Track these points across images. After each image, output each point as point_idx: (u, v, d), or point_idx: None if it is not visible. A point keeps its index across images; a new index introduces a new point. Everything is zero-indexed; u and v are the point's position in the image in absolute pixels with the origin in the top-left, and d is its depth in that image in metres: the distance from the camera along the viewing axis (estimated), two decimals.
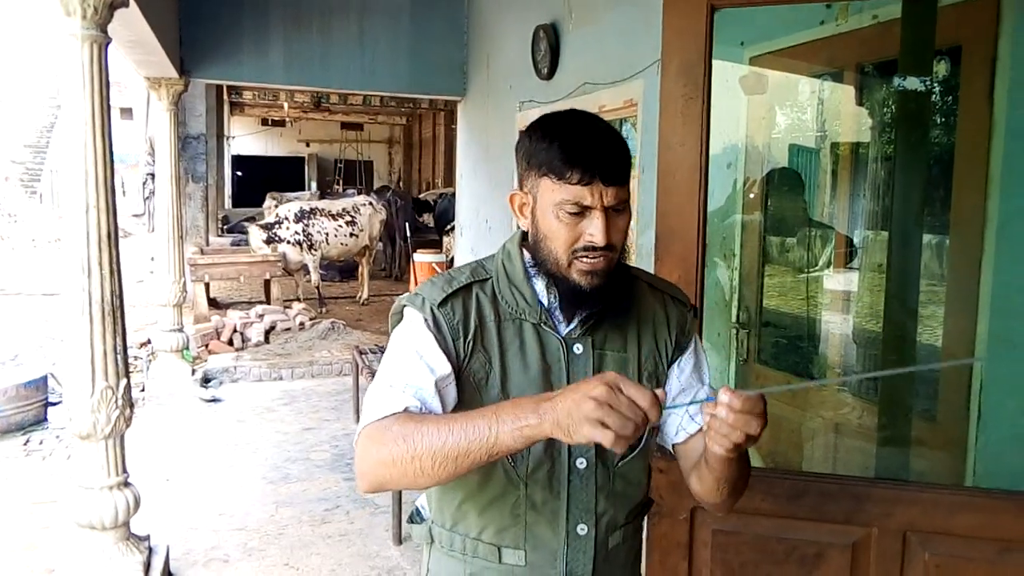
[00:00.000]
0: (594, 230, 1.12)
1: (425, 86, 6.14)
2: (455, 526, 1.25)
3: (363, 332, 7.76)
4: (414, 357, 1.15)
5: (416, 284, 6.17)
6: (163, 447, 4.77)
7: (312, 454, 4.72)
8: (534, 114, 4.72)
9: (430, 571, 1.32)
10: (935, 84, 2.45)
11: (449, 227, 9.05)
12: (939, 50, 2.38)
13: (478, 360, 1.18)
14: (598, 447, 1.18)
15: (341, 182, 20.68)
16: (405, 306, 1.22)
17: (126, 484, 2.92)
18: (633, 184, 1.78)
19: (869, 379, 2.78)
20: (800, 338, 3.15)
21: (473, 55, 5.90)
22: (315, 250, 9.12)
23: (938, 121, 2.58)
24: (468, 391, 1.18)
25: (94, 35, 2.65)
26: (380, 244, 11.10)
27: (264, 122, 20.57)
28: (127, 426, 2.88)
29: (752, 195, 3.07)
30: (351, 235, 9.49)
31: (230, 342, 7.07)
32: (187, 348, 6.25)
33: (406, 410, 1.09)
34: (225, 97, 13.15)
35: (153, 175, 9.90)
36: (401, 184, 20.23)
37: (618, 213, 1.14)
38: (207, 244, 9.90)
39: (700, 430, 1.26)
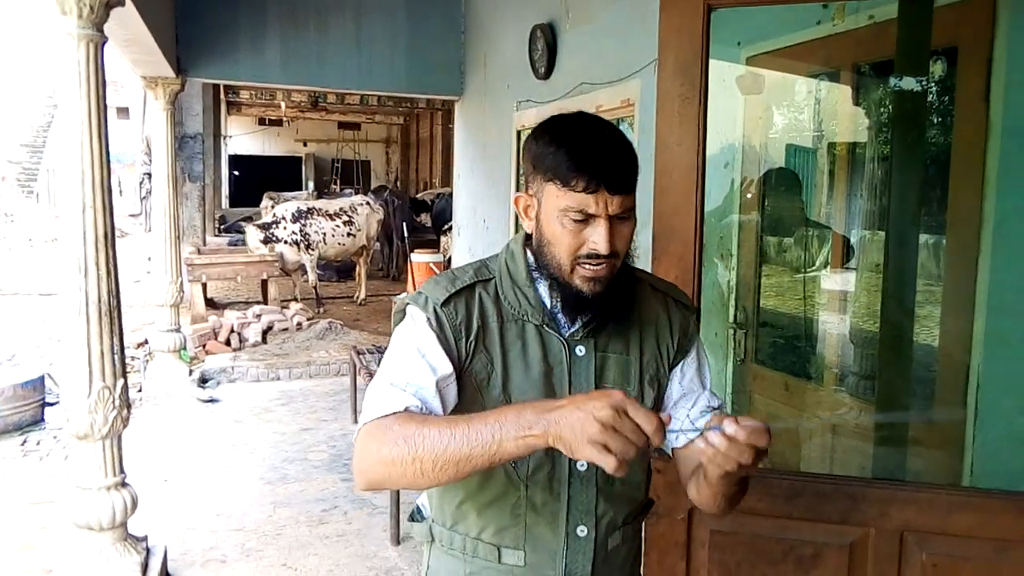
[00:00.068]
0: (597, 238, 1.12)
1: (422, 86, 6.14)
2: (455, 525, 1.26)
3: (360, 332, 7.75)
4: (416, 356, 1.15)
5: (414, 284, 6.16)
6: (160, 447, 4.76)
7: (310, 454, 4.71)
8: (531, 114, 4.77)
9: (430, 569, 1.32)
10: (931, 84, 2.45)
11: (446, 227, 9.05)
12: (935, 50, 2.38)
13: (480, 361, 1.18)
14: None
15: (338, 182, 20.66)
16: (408, 304, 1.21)
17: (123, 484, 2.91)
18: None
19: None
20: (797, 338, 3.15)
21: (470, 55, 5.90)
22: (312, 250, 9.11)
23: (935, 121, 2.58)
24: (469, 391, 1.18)
25: (90, 34, 2.64)
26: (377, 244, 11.10)
27: (261, 121, 20.55)
28: (124, 426, 2.87)
29: (749, 195, 3.08)
30: (348, 235, 9.48)
31: (227, 342, 7.06)
32: (184, 348, 6.25)
33: (407, 410, 1.09)
34: (222, 96, 13.13)
35: (150, 175, 9.90)
36: (398, 184, 20.21)
37: (623, 221, 1.14)
38: (204, 244, 9.89)
39: (702, 435, 1.27)
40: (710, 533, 1.93)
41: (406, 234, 10.23)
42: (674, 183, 1.90)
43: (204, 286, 8.32)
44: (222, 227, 12.39)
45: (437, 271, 6.08)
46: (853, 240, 3.02)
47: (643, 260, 1.47)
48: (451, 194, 7.42)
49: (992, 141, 2.14)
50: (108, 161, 2.77)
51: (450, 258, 6.94)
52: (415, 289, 5.38)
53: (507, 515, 1.21)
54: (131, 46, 4.47)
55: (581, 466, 1.21)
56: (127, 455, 2.99)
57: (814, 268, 3.10)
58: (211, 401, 5.80)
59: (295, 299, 8.92)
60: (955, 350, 2.34)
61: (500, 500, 1.21)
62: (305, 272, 9.14)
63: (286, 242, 8.96)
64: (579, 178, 1.10)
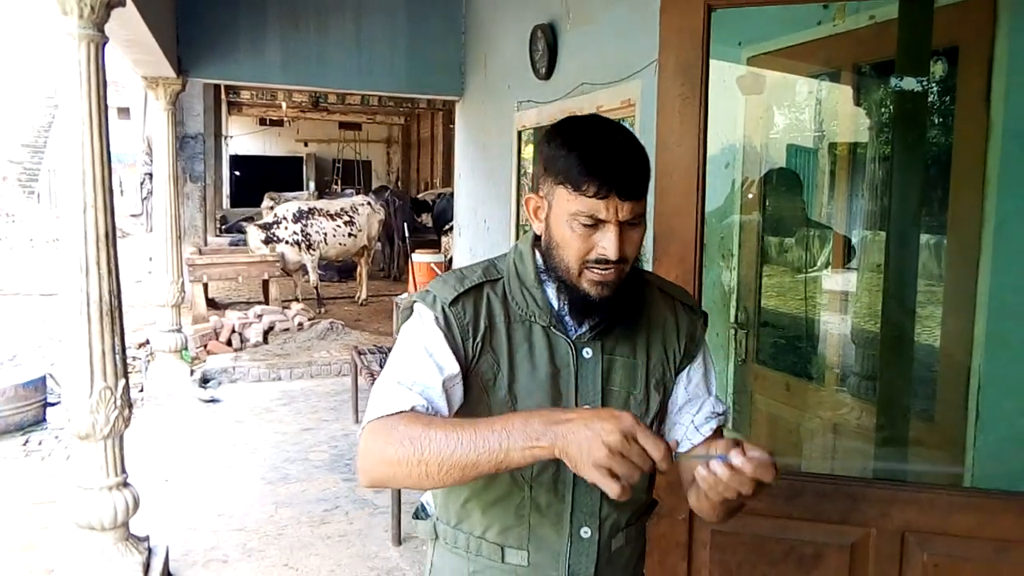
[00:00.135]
0: (607, 243, 1.11)
1: (423, 86, 6.15)
2: (459, 524, 1.26)
3: (362, 332, 7.76)
4: (423, 355, 1.14)
5: (415, 284, 6.16)
6: (162, 448, 4.76)
7: (311, 454, 4.71)
8: (532, 114, 4.77)
9: (434, 566, 1.32)
10: (932, 84, 2.45)
11: (447, 227, 9.05)
12: (936, 50, 2.38)
13: (486, 361, 1.18)
14: None
15: (339, 182, 20.67)
16: (416, 302, 1.21)
17: (125, 484, 2.92)
18: None
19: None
20: (798, 338, 3.15)
21: (471, 55, 5.90)
22: (313, 250, 9.11)
23: (935, 121, 2.58)
24: (475, 391, 1.18)
25: (91, 34, 2.65)
26: (378, 244, 11.10)
27: (262, 122, 20.57)
28: (126, 426, 2.88)
29: (750, 195, 3.07)
30: (349, 235, 9.48)
31: (228, 342, 7.06)
32: (186, 348, 6.25)
33: (412, 409, 1.09)
34: (223, 97, 13.15)
35: (151, 175, 9.89)
36: (399, 184, 20.22)
37: (633, 227, 1.13)
38: (205, 244, 9.90)
39: (704, 441, 1.27)
40: (711, 533, 1.93)
41: (407, 234, 10.22)
42: (675, 183, 1.90)
43: (205, 286, 8.32)
44: (223, 227, 12.39)
45: (438, 271, 6.08)
46: (854, 240, 3.02)
47: (644, 260, 1.47)
48: (452, 194, 7.42)
49: (993, 141, 2.14)
50: (109, 161, 2.77)
51: (451, 258, 6.94)
52: (416, 289, 5.36)
53: (511, 515, 1.21)
54: (132, 46, 4.47)
55: None
56: (129, 455, 2.99)
57: (815, 268, 3.10)
58: (212, 401, 5.81)
59: (296, 299, 8.92)
60: (956, 351, 2.34)
61: (504, 500, 1.21)
62: (306, 272, 9.15)
63: (287, 242, 8.96)
64: (590, 183, 1.09)
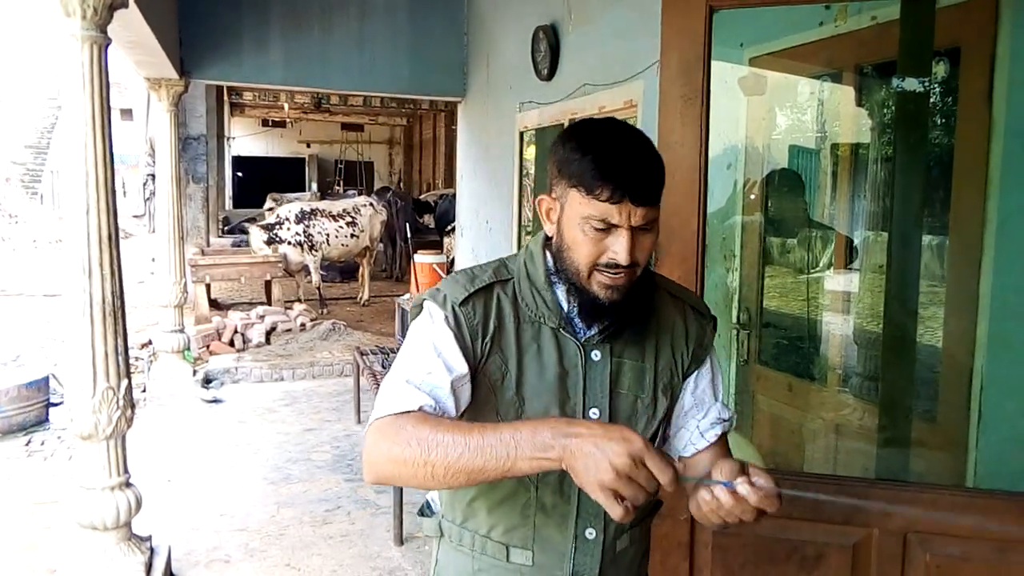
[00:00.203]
0: (618, 248, 1.10)
1: (425, 87, 6.15)
2: (465, 522, 1.26)
3: (364, 333, 7.77)
4: (433, 354, 1.14)
5: (417, 285, 6.16)
6: (164, 448, 4.77)
7: (313, 455, 4.72)
8: (534, 115, 4.77)
9: (439, 563, 1.33)
10: (934, 85, 2.45)
11: (450, 228, 9.05)
12: (938, 51, 2.38)
13: (495, 361, 1.18)
14: None
15: (342, 183, 20.68)
16: (426, 300, 1.21)
17: (127, 484, 2.92)
18: None
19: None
20: (801, 339, 3.15)
21: (473, 56, 5.91)
22: (316, 251, 9.12)
23: (937, 122, 2.58)
24: (483, 391, 1.18)
25: (94, 36, 2.65)
26: (381, 245, 11.11)
27: (264, 123, 20.57)
28: (128, 427, 2.88)
29: (752, 196, 3.07)
30: (352, 236, 9.49)
31: (231, 343, 7.07)
32: (188, 349, 6.26)
33: (420, 409, 1.09)
34: (225, 98, 13.15)
35: (153, 176, 9.91)
36: (402, 185, 20.24)
37: (645, 232, 1.12)
38: (208, 245, 9.91)
39: (709, 446, 1.28)
40: (713, 534, 1.93)
41: (409, 235, 10.23)
42: (676, 184, 1.90)
43: (208, 287, 8.33)
44: (226, 228, 12.42)
45: (440, 272, 6.08)
46: (856, 241, 3.02)
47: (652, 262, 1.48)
48: (454, 195, 7.42)
49: (995, 142, 2.13)
50: (112, 162, 2.78)
51: (453, 259, 6.95)
52: (418, 290, 5.37)
53: (517, 515, 1.22)
54: (135, 48, 4.48)
55: None
56: (131, 455, 2.99)
57: (817, 269, 3.09)
58: (215, 401, 5.81)
59: (299, 300, 8.93)
60: (958, 351, 2.34)
61: (510, 500, 1.21)
62: (309, 273, 9.15)
63: (290, 243, 8.97)
64: (603, 187, 1.08)
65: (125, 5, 2.78)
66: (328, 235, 9.23)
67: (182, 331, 6.12)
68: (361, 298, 9.91)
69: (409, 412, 1.08)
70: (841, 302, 3.08)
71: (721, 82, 2.44)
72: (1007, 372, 2.20)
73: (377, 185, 19.66)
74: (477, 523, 1.25)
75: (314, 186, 20.86)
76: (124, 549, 2.91)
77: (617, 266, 1.11)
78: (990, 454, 2.21)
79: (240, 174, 19.97)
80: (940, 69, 2.43)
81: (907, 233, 2.41)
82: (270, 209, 12.07)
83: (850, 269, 3.02)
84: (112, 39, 2.78)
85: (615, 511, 0.94)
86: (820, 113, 3.19)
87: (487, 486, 1.20)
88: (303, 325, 7.64)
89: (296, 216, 9.16)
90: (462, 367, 1.14)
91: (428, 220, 12.62)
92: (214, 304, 8.71)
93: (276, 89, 10.85)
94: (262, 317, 7.57)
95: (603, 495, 0.93)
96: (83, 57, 2.64)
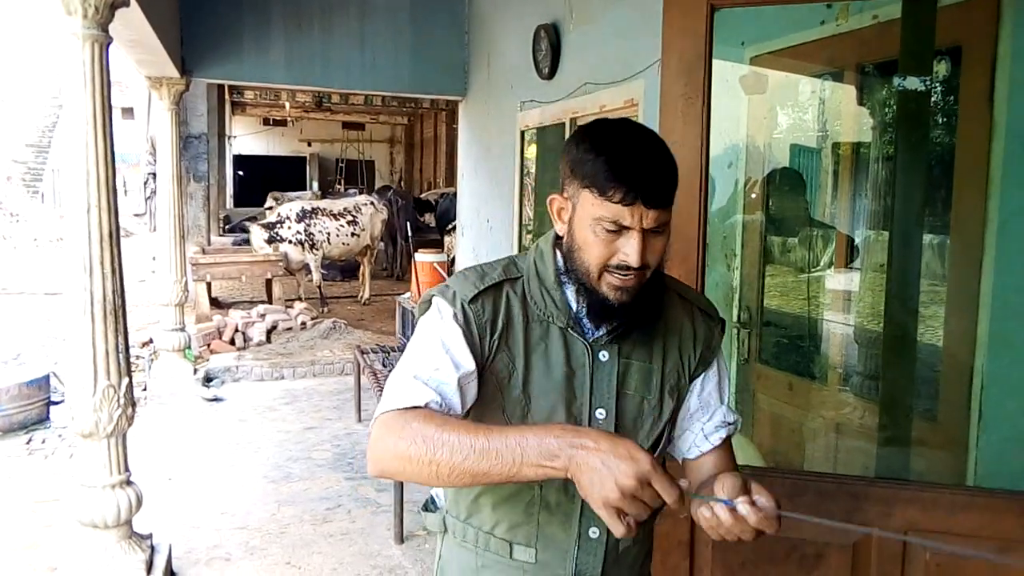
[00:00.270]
0: (629, 250, 1.10)
1: (426, 86, 6.15)
2: (469, 518, 1.26)
3: (364, 331, 7.77)
4: (440, 350, 1.14)
5: (417, 284, 6.16)
6: (165, 446, 4.77)
7: (314, 453, 4.72)
8: (535, 114, 4.77)
9: (442, 559, 1.33)
10: (935, 84, 2.45)
11: (450, 227, 9.05)
12: (939, 50, 2.38)
13: (502, 359, 1.18)
14: None
15: (343, 182, 20.68)
16: (435, 295, 1.21)
17: (128, 483, 2.92)
18: None
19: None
20: (801, 338, 3.15)
21: (474, 55, 5.90)
22: (317, 250, 9.13)
23: (939, 121, 2.57)
24: (490, 389, 1.18)
25: (95, 34, 2.65)
26: (381, 244, 11.11)
27: (265, 122, 20.58)
28: (129, 425, 2.88)
29: (753, 195, 3.07)
30: (352, 235, 9.50)
31: (232, 341, 7.08)
32: (189, 347, 6.26)
33: (427, 406, 1.09)
34: (226, 97, 13.17)
35: (154, 175, 9.92)
36: (402, 184, 20.23)
37: (656, 235, 1.11)
38: (209, 244, 9.92)
39: (713, 449, 1.28)
40: None
41: (410, 234, 10.23)
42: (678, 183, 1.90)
43: (208, 285, 8.33)
44: (226, 227, 12.43)
45: (441, 271, 6.08)
46: (857, 240, 3.02)
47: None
48: (455, 194, 7.42)
49: (996, 141, 2.13)
50: (113, 161, 2.78)
51: (454, 258, 6.95)
52: (419, 289, 5.33)
53: (521, 512, 1.22)
54: (136, 46, 4.48)
55: None
56: (132, 453, 3.00)
57: (818, 268, 3.09)
58: (215, 400, 5.82)
59: (299, 298, 8.94)
60: (959, 350, 2.34)
61: (515, 497, 1.21)
62: (309, 272, 9.16)
63: (290, 242, 8.98)
64: (616, 189, 1.07)
65: (126, 4, 2.78)
66: (329, 234, 9.24)
67: (183, 330, 6.13)
68: (362, 297, 9.91)
69: (416, 408, 1.08)
70: (842, 301, 3.08)
71: (722, 81, 2.44)
72: (1008, 371, 2.20)
73: (378, 184, 19.66)
74: (481, 519, 1.25)
75: (315, 185, 20.87)
76: (125, 547, 2.91)
77: (628, 268, 1.11)
78: (991, 453, 2.21)
79: (241, 173, 19.99)
80: (941, 68, 2.43)
81: (908, 232, 2.41)
82: (271, 208, 12.08)
83: (851, 268, 3.02)
84: (113, 38, 2.78)
85: (617, 529, 0.94)
86: (821, 112, 3.19)
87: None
88: (304, 324, 7.65)
89: (297, 215, 9.17)
90: (469, 364, 1.14)
91: (429, 219, 12.63)
92: (215, 303, 8.71)
93: (277, 88, 10.87)
94: (263, 316, 7.57)
95: (606, 512, 0.94)
96: (84, 56, 2.65)
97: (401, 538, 3.52)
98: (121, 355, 2.81)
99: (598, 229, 1.10)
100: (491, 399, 1.18)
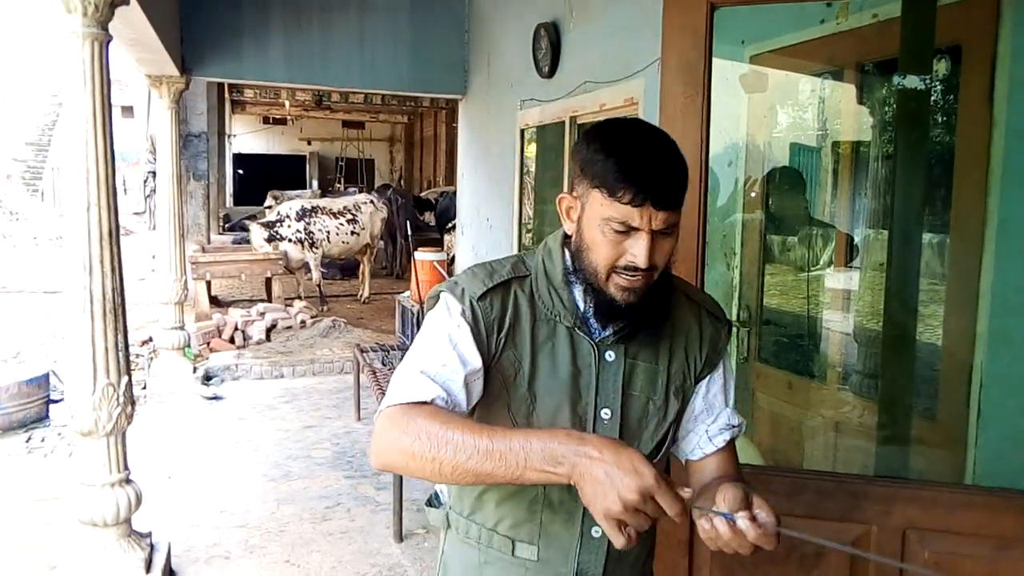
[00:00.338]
0: (637, 251, 1.10)
1: (426, 84, 6.15)
2: (472, 515, 1.27)
3: (364, 330, 7.77)
4: (448, 346, 1.14)
5: (417, 282, 6.17)
6: (164, 444, 4.77)
7: (313, 452, 4.72)
8: (535, 113, 4.77)
9: (445, 555, 1.33)
10: (935, 83, 2.45)
11: (450, 225, 9.05)
12: (939, 49, 2.38)
13: (508, 357, 1.18)
14: None
15: (342, 180, 20.68)
16: (443, 292, 1.20)
17: (128, 481, 2.92)
18: None
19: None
20: (801, 336, 3.15)
21: (474, 54, 5.90)
22: (316, 248, 9.13)
23: (938, 120, 2.57)
24: (496, 387, 1.18)
25: (95, 33, 2.65)
26: (381, 242, 11.11)
27: (265, 120, 20.57)
28: (128, 423, 2.88)
29: (753, 194, 3.07)
30: (352, 233, 9.50)
31: (231, 340, 7.08)
32: (188, 346, 6.26)
33: (432, 401, 1.09)
34: (226, 95, 13.17)
35: (154, 173, 9.91)
36: (402, 182, 20.24)
37: (665, 236, 1.11)
38: (208, 242, 9.92)
39: (716, 451, 1.28)
40: None
41: (410, 232, 10.22)
42: None
43: (208, 284, 8.34)
44: (226, 225, 12.42)
45: (441, 270, 6.08)
46: (857, 239, 3.02)
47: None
48: (455, 193, 7.42)
49: (996, 140, 2.13)
50: (112, 159, 2.78)
51: (454, 256, 6.95)
52: (419, 288, 5.31)
53: (524, 510, 1.22)
54: (136, 45, 4.48)
55: None
56: (131, 452, 3.00)
57: (818, 267, 3.09)
58: (215, 398, 5.82)
59: (299, 297, 8.94)
60: (958, 349, 2.34)
61: (518, 495, 1.21)
62: (309, 270, 9.16)
63: (290, 240, 8.98)
64: (625, 190, 1.07)
65: (126, 2, 2.78)
66: (329, 232, 9.24)
67: (182, 328, 6.13)
68: (361, 295, 9.91)
69: (421, 403, 1.08)
70: (841, 300, 3.08)
71: (722, 80, 2.44)
72: (1007, 370, 2.21)
73: (378, 182, 19.66)
74: (484, 516, 1.25)
75: (315, 183, 20.85)
76: (124, 545, 2.92)
77: (635, 269, 1.11)
78: (990, 452, 2.21)
79: (241, 171, 19.97)
80: (941, 67, 2.43)
81: (908, 231, 2.41)
82: (270, 206, 12.07)
83: (850, 267, 3.02)
84: (113, 36, 2.78)
85: (618, 540, 0.94)
86: (821, 111, 3.19)
87: None
88: (303, 322, 7.65)
89: (297, 213, 9.17)
90: (476, 361, 1.14)
91: (429, 218, 12.62)
92: (214, 301, 8.71)
93: (277, 87, 10.87)
94: (262, 314, 7.57)
95: (608, 524, 0.94)
96: (84, 54, 2.64)
97: (400, 537, 3.53)
98: (121, 353, 2.82)
99: (607, 229, 1.10)
100: (497, 397, 1.18)
